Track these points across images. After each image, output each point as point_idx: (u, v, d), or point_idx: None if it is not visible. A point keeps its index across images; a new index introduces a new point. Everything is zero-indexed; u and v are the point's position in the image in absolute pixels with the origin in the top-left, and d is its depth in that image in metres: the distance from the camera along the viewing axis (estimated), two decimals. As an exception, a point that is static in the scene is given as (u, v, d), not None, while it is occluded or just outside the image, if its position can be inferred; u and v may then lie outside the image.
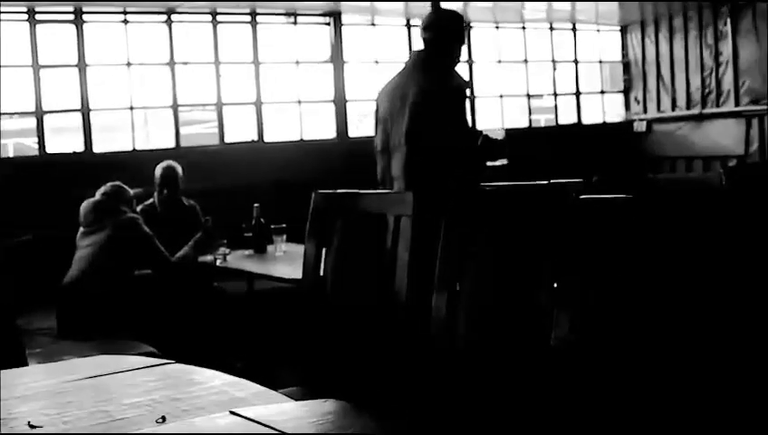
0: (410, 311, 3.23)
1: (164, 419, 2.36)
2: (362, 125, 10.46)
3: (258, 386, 2.69)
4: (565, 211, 2.71)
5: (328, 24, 10.05)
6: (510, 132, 11.52)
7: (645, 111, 12.65)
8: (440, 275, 2.99)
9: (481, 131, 5.63)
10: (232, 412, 2.34)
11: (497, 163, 5.65)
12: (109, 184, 6.15)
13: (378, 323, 3.38)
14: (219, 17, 9.29)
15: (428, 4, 8.46)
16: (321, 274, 3.65)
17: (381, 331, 3.36)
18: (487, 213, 3.00)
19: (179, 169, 6.96)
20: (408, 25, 10.62)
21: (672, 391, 2.26)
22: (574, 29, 12.46)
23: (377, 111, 5.53)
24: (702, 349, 2.30)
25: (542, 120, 13.09)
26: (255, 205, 6.94)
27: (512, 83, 11.80)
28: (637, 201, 2.69)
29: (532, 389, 2.49)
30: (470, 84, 7.23)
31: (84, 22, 8.54)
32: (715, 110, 11.66)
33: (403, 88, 5.28)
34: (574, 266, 2.48)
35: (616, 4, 11.42)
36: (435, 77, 5.22)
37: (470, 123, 5.33)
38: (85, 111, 8.53)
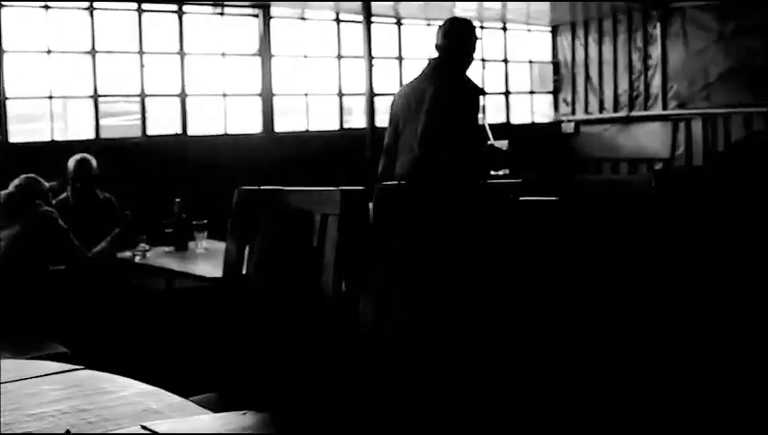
0: (337, 313, 3.12)
1: (68, 433, 2.17)
2: (289, 119, 10.29)
3: (174, 396, 2.51)
4: (504, 213, 2.71)
5: (256, 15, 9.85)
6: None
7: (573, 112, 12.66)
8: (369, 278, 2.95)
9: (487, 140, 5.84)
10: (143, 426, 2.16)
11: (500, 173, 5.78)
12: (23, 176, 5.86)
13: (303, 326, 3.24)
14: (144, 6, 9.01)
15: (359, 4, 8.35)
16: (244, 272, 3.49)
17: (306, 333, 3.22)
18: (417, 215, 2.95)
19: (93, 162, 6.70)
20: (338, 20, 10.45)
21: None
22: (504, 29, 12.41)
23: (391, 111, 5.68)
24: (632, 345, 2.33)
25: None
26: (177, 200, 6.72)
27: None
28: (574, 204, 2.71)
29: (459, 381, 2.49)
30: (483, 91, 7.24)
31: (3, 6, 8.22)
32: (642, 113, 11.71)
33: (420, 91, 5.46)
34: (517, 267, 2.48)
35: (547, 4, 11.39)
36: (452, 79, 5.44)
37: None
38: (1, 100, 8.21)
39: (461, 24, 5.78)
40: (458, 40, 5.59)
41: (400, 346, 2.80)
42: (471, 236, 2.78)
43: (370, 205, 3.29)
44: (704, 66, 10.91)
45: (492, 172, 5.71)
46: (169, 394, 2.53)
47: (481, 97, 5.62)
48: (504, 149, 5.75)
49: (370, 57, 8.33)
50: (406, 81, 10.91)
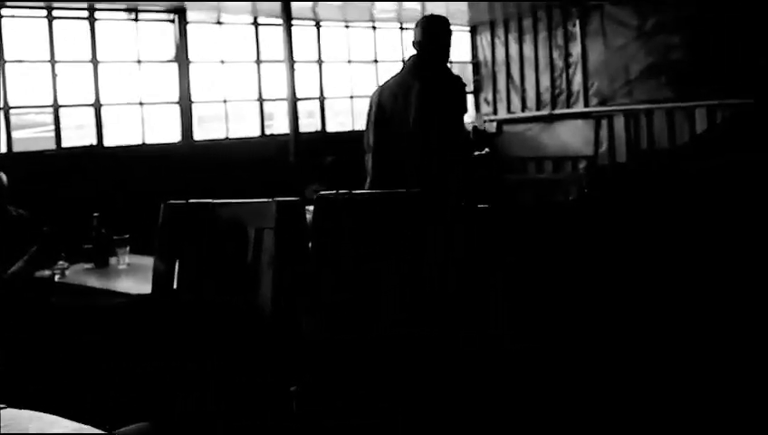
0: (277, 328, 2.99)
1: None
2: (209, 127, 10.04)
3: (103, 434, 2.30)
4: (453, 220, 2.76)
5: (172, 21, 9.57)
6: (360, 134, 11.29)
7: (495, 111, 12.61)
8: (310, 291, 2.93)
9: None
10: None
11: (483, 152, 6.18)
12: (-71, 194, 5.55)
13: (242, 342, 3.07)
14: (55, 12, 8.68)
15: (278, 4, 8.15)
16: (175, 287, 3.30)
17: (246, 350, 3.05)
18: (361, 224, 2.95)
19: (3, 177, 6.38)
20: (256, 24, 10.22)
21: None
22: (424, 29, 12.28)
23: (373, 110, 5.73)
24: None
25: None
26: (95, 214, 6.43)
27: (362, 84, 11.55)
28: (525, 211, 2.94)
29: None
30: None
31: None
32: (564, 110, 11.69)
33: (404, 86, 5.57)
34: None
35: (465, 3, 11.30)
36: (437, 72, 5.63)
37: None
38: None
39: (439, 21, 5.93)
40: (438, 36, 5.74)
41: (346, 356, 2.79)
42: (420, 243, 2.79)
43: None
44: (624, 63, 10.93)
45: (476, 152, 5.98)
46: (98, 432, 2.31)
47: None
48: (492, 131, 6.01)
49: (292, 61, 8.13)
50: (326, 84, 10.93)
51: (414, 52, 5.75)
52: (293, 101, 8.24)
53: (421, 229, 2.88)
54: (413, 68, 5.70)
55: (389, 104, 5.62)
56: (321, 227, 3.12)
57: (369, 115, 5.80)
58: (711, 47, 10.35)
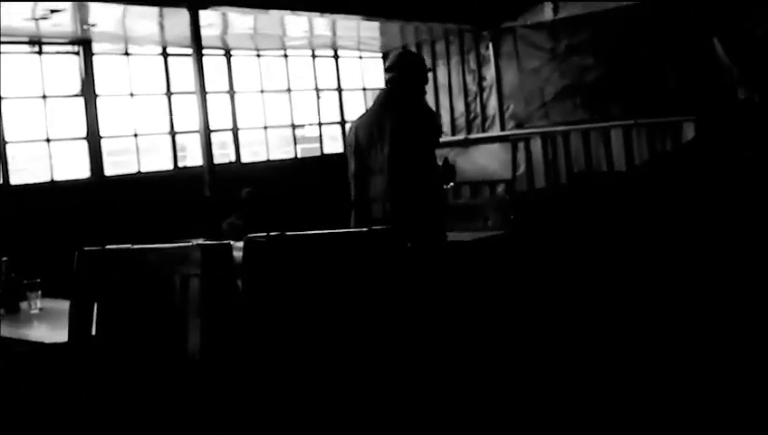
0: (207, 379, 2.89)
1: None
2: (121, 161, 9.75)
3: None
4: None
5: (77, 53, 9.25)
6: (275, 164, 11.12)
7: (410, 137, 12.50)
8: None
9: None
10: None
11: (448, 186, 6.24)
12: None
13: (167, 391, 2.92)
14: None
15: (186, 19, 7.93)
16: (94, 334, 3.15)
17: (172, 399, 2.89)
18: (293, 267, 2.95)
19: None
20: (165, 54, 9.96)
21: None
22: (336, 56, 12.17)
23: (351, 142, 6.01)
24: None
25: (307, 150, 12.73)
26: (3, 258, 6.12)
27: (276, 113, 11.37)
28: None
29: None
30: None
31: None
32: (480, 135, 11.65)
33: (379, 120, 5.82)
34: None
35: (377, 29, 11.20)
36: (411, 106, 5.85)
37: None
38: None
39: (413, 56, 6.22)
40: (411, 71, 5.93)
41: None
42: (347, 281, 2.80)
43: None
44: (539, 85, 10.93)
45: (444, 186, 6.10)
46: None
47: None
48: (453, 164, 6.09)
49: (203, 91, 7.89)
50: (239, 114, 10.69)
51: (385, 85, 5.97)
52: (206, 132, 7.98)
53: (350, 270, 2.88)
54: (387, 103, 5.90)
55: (365, 139, 5.85)
56: (250, 272, 2.97)
57: (348, 147, 6.08)
58: (623, 68, 10.41)
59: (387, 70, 6.02)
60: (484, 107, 11.62)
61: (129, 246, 3.11)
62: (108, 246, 3.16)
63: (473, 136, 11.70)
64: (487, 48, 11.55)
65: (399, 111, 5.79)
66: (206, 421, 2.88)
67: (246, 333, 2.92)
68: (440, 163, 6.03)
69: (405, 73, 5.91)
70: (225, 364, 2.91)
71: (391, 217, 5.67)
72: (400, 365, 2.70)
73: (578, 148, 10.79)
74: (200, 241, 7.92)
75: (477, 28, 11.52)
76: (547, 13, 11.01)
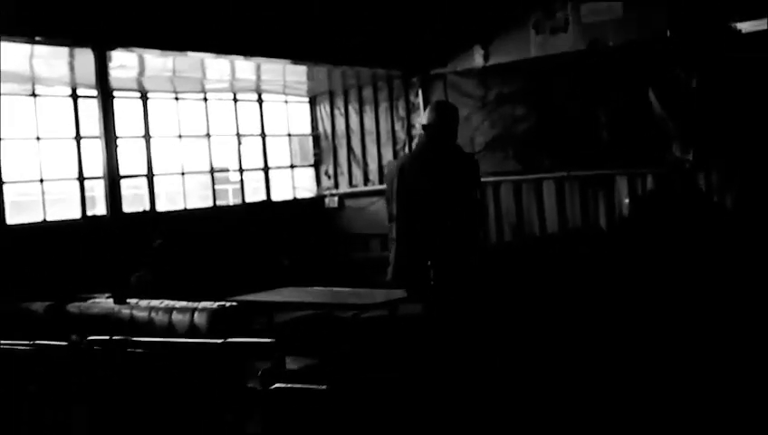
0: None
1: None
2: (26, 209, 9.14)
3: None
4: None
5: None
6: (193, 213, 10.57)
7: (336, 185, 12.07)
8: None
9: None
10: None
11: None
12: None
13: None
14: None
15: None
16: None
17: None
18: None
19: None
20: (75, 96, 9.37)
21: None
22: (260, 100, 11.69)
23: (395, 183, 6.34)
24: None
25: (227, 197, 12.22)
26: None
27: (194, 159, 10.84)
28: None
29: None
30: None
31: None
32: (409, 184, 11.21)
33: (426, 162, 6.26)
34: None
35: (304, 73, 10.76)
36: (454, 149, 6.41)
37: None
38: None
39: (449, 105, 6.80)
40: (448, 118, 6.36)
41: None
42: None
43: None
44: (470, 134, 10.54)
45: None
46: None
47: None
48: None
49: (110, 135, 7.34)
50: (155, 160, 10.12)
51: (425, 132, 6.34)
52: (111, 178, 7.40)
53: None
54: (431, 146, 6.33)
55: (412, 178, 6.24)
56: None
57: (391, 187, 6.40)
58: (555, 119, 10.10)
59: (430, 117, 6.35)
60: (413, 156, 11.20)
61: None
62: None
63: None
64: (417, 95, 11.18)
65: (447, 155, 6.28)
66: None
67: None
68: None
69: (447, 120, 6.34)
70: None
71: (440, 254, 6.07)
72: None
73: (509, 199, 10.43)
74: (104, 297, 7.38)
75: (407, 74, 11.15)
76: (477, 59, 10.68)
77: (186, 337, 5.68)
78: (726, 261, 5.97)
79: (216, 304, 5.81)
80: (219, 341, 4.61)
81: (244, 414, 3.63)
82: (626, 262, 6.43)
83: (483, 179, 9.37)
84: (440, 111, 6.45)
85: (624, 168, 9.59)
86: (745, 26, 8.89)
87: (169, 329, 5.78)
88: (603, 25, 9.73)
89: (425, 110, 10.81)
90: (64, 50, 7.89)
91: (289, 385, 3.46)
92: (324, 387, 3.31)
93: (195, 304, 5.84)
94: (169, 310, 5.86)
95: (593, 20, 9.80)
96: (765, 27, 8.78)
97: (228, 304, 5.90)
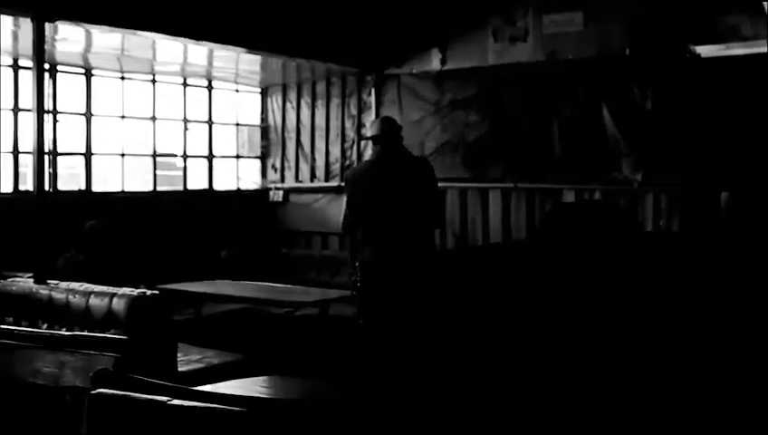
0: None
1: None
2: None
3: None
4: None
5: None
6: (130, 196, 10.29)
7: (282, 179, 11.84)
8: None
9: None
10: None
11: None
12: None
13: None
14: None
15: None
16: None
17: None
18: None
19: None
20: (16, 66, 9.07)
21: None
22: (210, 87, 11.44)
23: (355, 191, 6.78)
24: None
25: (170, 183, 11.91)
26: None
27: (137, 141, 10.55)
28: None
29: None
30: None
31: None
32: (355, 183, 11.01)
33: (382, 168, 6.71)
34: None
35: (258, 63, 10.51)
36: (408, 156, 6.89)
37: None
38: None
39: (394, 121, 7.03)
40: (395, 130, 6.79)
41: None
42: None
43: None
44: (419, 138, 10.35)
45: None
46: None
47: None
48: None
49: (41, 109, 7.03)
50: (96, 139, 9.82)
51: (374, 142, 6.76)
52: (39, 153, 7.08)
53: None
54: (384, 154, 6.71)
55: (369, 186, 6.63)
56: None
57: (349, 195, 6.84)
58: (508, 129, 9.95)
59: (375, 130, 6.80)
60: (360, 155, 11.01)
61: None
62: None
63: (348, 184, 11.05)
64: (369, 94, 10.98)
65: (400, 161, 6.74)
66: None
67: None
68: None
69: (392, 131, 6.74)
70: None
71: (398, 256, 6.43)
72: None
73: (454, 206, 10.27)
74: (26, 276, 7.09)
75: (362, 72, 10.94)
76: (434, 62, 10.51)
77: (102, 323, 5.44)
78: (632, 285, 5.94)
79: (136, 291, 5.55)
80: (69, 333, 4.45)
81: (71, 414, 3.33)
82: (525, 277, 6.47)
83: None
84: (386, 124, 6.87)
85: (573, 183, 9.47)
86: (704, 50, 8.80)
87: (86, 313, 5.50)
88: (563, 37, 9.61)
89: (377, 109, 10.75)
90: (8, 18, 7.59)
91: (113, 392, 3.13)
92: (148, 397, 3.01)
93: (115, 290, 5.56)
94: (87, 294, 5.57)
95: (554, 31, 9.68)
96: (724, 53, 8.71)
97: (149, 292, 5.64)
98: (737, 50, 8.59)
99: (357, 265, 6.63)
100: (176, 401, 2.99)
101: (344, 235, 7.38)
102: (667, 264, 6.08)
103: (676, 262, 6.12)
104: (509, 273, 6.65)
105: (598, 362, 5.37)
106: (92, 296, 5.56)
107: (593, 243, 6.36)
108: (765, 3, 8.20)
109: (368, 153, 10.85)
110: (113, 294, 5.50)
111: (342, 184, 10.89)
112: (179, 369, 5.64)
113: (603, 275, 5.97)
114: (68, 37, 8.28)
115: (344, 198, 10.75)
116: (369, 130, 7.20)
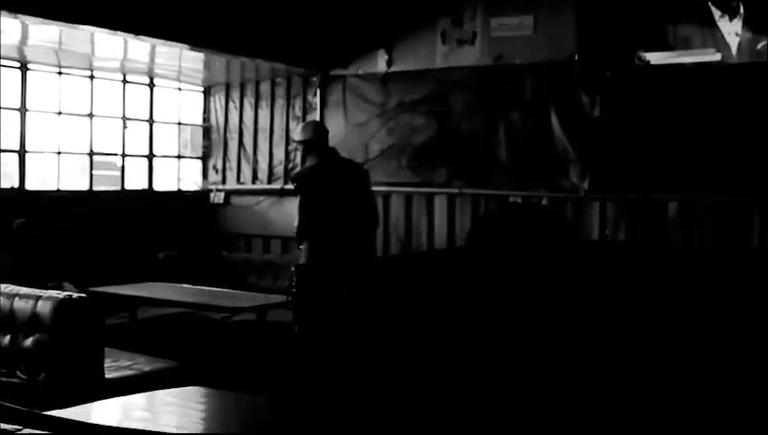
0: None
1: None
2: None
3: None
4: None
5: None
6: (65, 195, 9.97)
7: (224, 181, 11.59)
8: None
9: None
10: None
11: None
12: None
13: None
14: None
15: None
16: None
17: None
18: None
19: None
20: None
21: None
22: (152, 85, 11.15)
23: (311, 194, 7.02)
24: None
25: (111, 183, 11.61)
26: None
27: (73, 138, 10.22)
28: None
29: None
30: None
31: None
32: (297, 186, 10.79)
33: (330, 172, 7.04)
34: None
35: (201, 61, 10.25)
36: (345, 160, 7.39)
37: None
38: None
39: (323, 125, 7.84)
40: (324, 135, 7.18)
41: None
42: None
43: None
44: (364, 141, 10.19)
45: None
46: None
47: None
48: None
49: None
50: (29, 133, 9.50)
51: (309, 146, 7.06)
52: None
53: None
54: (328, 158, 7.05)
55: (317, 189, 6.95)
56: None
57: (305, 199, 7.02)
58: (454, 134, 9.80)
59: (305, 135, 7.09)
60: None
61: None
62: None
63: (289, 187, 10.82)
64: (315, 95, 10.77)
65: (349, 166, 7.29)
66: None
67: None
68: None
69: (322, 136, 7.09)
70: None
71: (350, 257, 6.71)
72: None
73: (399, 211, 10.10)
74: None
75: (307, 72, 10.73)
76: (381, 64, 10.32)
77: (27, 326, 5.19)
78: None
79: (63, 294, 5.29)
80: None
81: None
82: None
83: (374, 188, 9.15)
84: (319, 128, 7.30)
85: (519, 189, 9.34)
86: (654, 57, 8.72)
87: (10, 316, 5.24)
88: (512, 41, 9.48)
89: (321, 110, 10.55)
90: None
91: None
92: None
93: (40, 292, 5.31)
94: (12, 296, 5.30)
95: (502, 35, 9.55)
96: (674, 60, 8.63)
97: (76, 294, 5.38)
98: (687, 58, 8.53)
99: (293, 269, 6.70)
100: (26, 431, 2.61)
101: (300, 240, 7.12)
102: (598, 272, 5.91)
103: (609, 271, 5.95)
104: (438, 279, 6.50)
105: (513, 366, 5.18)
106: (17, 299, 5.30)
107: (522, 248, 6.18)
108: (716, 11, 8.15)
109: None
110: (39, 297, 5.25)
111: (286, 187, 10.72)
112: (107, 376, 5.38)
113: (530, 282, 5.79)
114: (3, 29, 7.98)
115: (287, 201, 10.68)
116: (298, 134, 7.30)
